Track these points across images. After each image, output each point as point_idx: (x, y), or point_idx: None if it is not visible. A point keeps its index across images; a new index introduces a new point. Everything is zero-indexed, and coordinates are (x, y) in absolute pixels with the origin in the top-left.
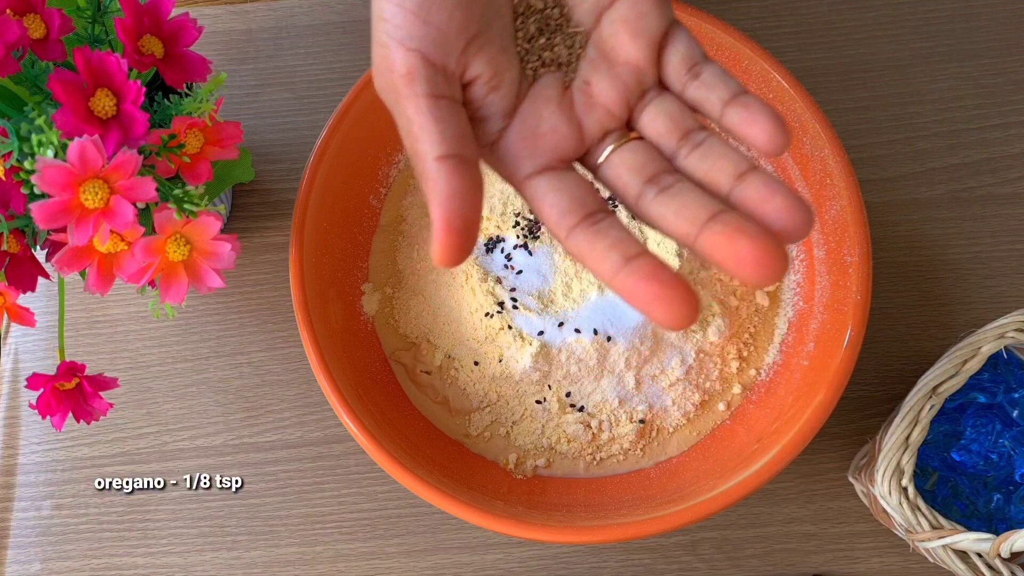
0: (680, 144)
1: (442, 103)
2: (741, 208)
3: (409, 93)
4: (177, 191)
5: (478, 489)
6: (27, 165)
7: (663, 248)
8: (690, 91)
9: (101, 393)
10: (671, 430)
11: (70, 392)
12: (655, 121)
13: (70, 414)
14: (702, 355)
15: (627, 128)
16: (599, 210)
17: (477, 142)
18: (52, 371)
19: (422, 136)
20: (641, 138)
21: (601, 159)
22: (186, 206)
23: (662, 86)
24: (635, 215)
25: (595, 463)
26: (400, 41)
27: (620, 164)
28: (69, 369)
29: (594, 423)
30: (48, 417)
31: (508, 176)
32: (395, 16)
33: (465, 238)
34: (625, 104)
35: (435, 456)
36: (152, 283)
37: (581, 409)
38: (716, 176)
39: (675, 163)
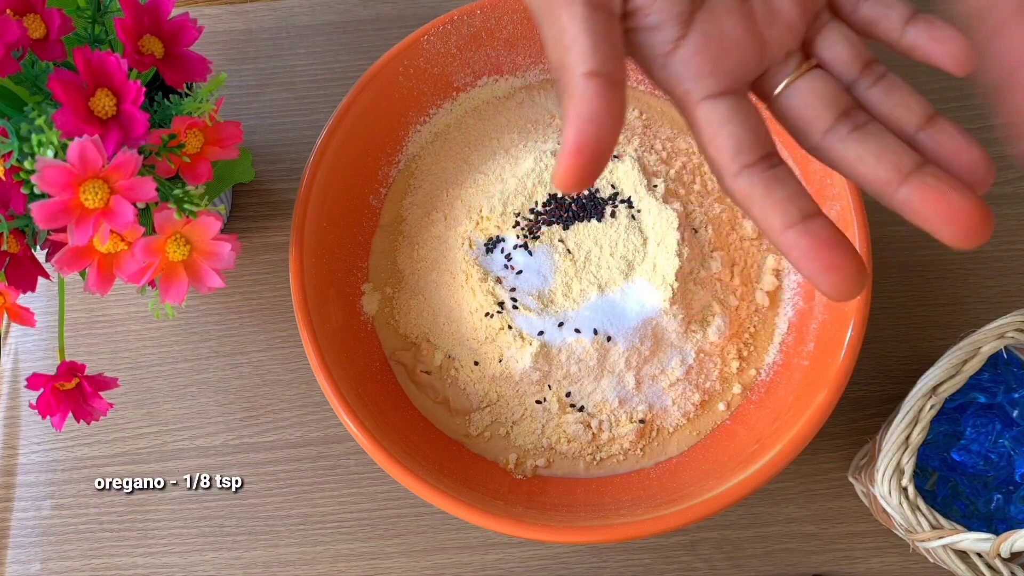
0: (862, 75)
1: (599, 15)
2: (930, 154)
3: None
4: (177, 191)
5: (478, 489)
6: (27, 165)
7: (663, 247)
8: (865, 8)
9: (101, 393)
10: (671, 430)
11: (70, 392)
12: (836, 46)
13: (70, 414)
14: (702, 355)
15: (803, 54)
16: (775, 152)
17: (646, 54)
18: (52, 371)
19: (574, 47)
20: (819, 66)
21: (781, 86)
22: (186, 206)
23: (831, 11)
24: (816, 152)
25: (595, 463)
26: None
27: (810, 92)
28: (69, 369)
29: (594, 423)
30: (48, 417)
31: (680, 95)
32: None
33: (594, 165)
34: (805, 21)
35: (435, 456)
36: (152, 283)
37: (581, 409)
38: (903, 114)
39: (855, 93)
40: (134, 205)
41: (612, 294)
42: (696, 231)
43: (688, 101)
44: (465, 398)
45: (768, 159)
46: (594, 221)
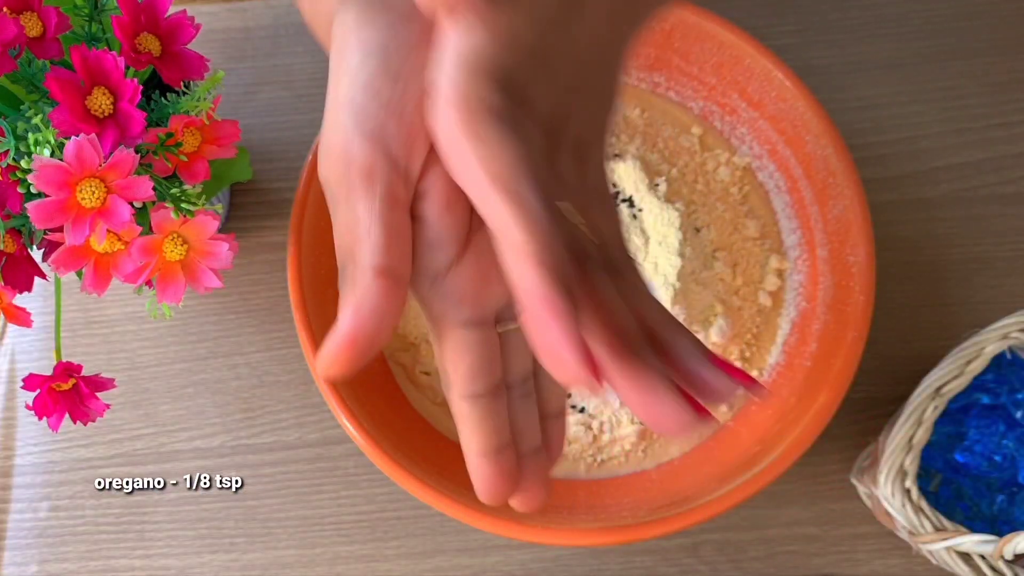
0: None
1: (395, 213)
2: None
3: (366, 192)
4: (174, 190)
5: None
6: (24, 164)
7: (665, 247)
8: None
9: (98, 394)
10: None
11: (67, 393)
12: None
13: (67, 415)
14: None
15: None
16: (501, 383)
17: (419, 266)
18: (49, 371)
19: (367, 240)
20: None
21: (507, 327)
22: (183, 205)
23: None
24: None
25: (596, 464)
26: (366, 132)
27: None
28: (65, 370)
29: (595, 424)
30: (44, 418)
31: (436, 314)
32: (365, 103)
33: (365, 356)
34: None
35: (434, 458)
36: (149, 283)
37: (582, 410)
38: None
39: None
40: (131, 204)
41: None
42: (698, 231)
43: (443, 323)
44: None
45: (495, 389)
46: None
